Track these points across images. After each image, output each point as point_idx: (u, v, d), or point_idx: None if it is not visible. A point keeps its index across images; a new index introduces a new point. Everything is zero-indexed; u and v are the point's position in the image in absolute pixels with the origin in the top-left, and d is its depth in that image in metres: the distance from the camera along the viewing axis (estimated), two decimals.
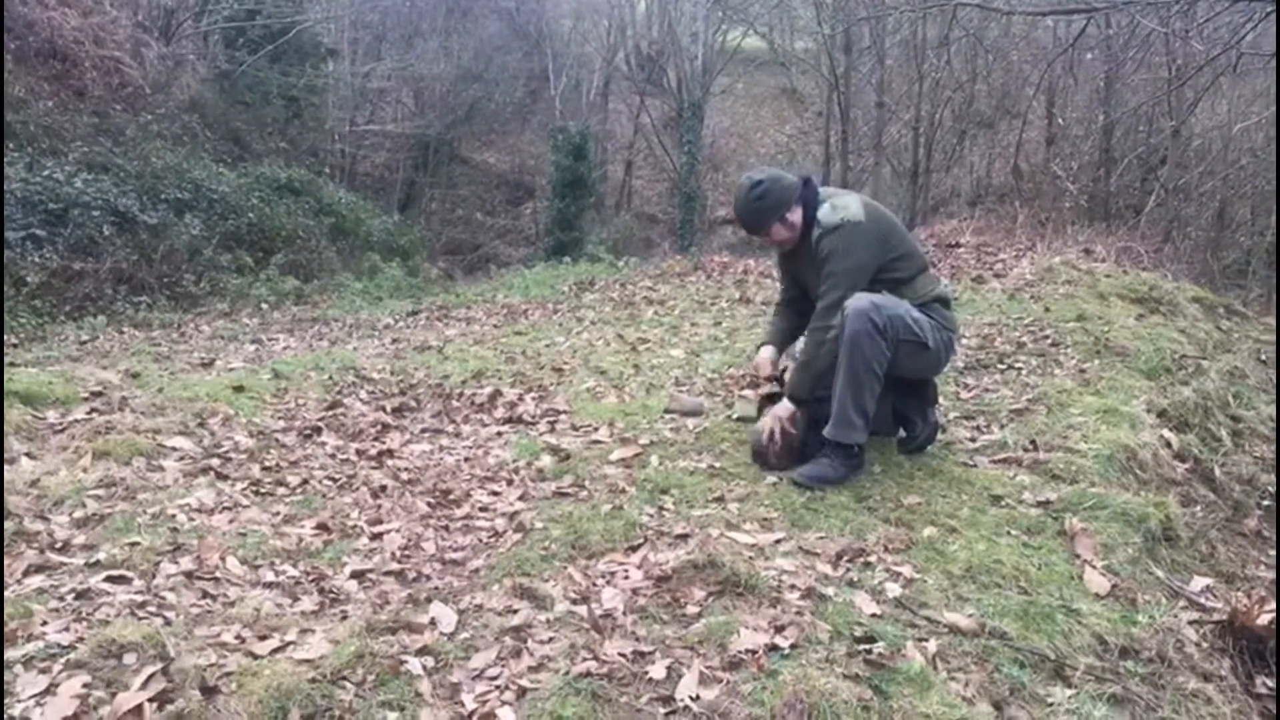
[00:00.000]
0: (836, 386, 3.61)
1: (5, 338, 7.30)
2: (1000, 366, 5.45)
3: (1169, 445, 4.40)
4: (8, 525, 2.92)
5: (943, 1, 11.21)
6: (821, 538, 3.09)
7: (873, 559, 2.93)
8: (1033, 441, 4.06)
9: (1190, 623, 2.77)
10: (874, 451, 3.83)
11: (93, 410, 4.19)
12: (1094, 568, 2.97)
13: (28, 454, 3.60)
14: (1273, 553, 3.87)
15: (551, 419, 4.68)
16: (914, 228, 13.67)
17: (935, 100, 16.43)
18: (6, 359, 6.08)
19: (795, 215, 3.81)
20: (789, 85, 28.04)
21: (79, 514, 3.11)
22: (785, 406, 3.75)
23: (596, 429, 4.41)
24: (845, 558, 2.94)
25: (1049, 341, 5.93)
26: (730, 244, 21.33)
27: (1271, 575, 3.59)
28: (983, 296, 7.44)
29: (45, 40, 12.35)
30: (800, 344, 3.93)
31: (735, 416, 4.34)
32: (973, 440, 4.19)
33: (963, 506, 3.40)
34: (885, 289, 3.69)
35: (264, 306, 10.38)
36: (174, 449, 3.84)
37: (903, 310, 3.62)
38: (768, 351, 4.12)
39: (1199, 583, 3.11)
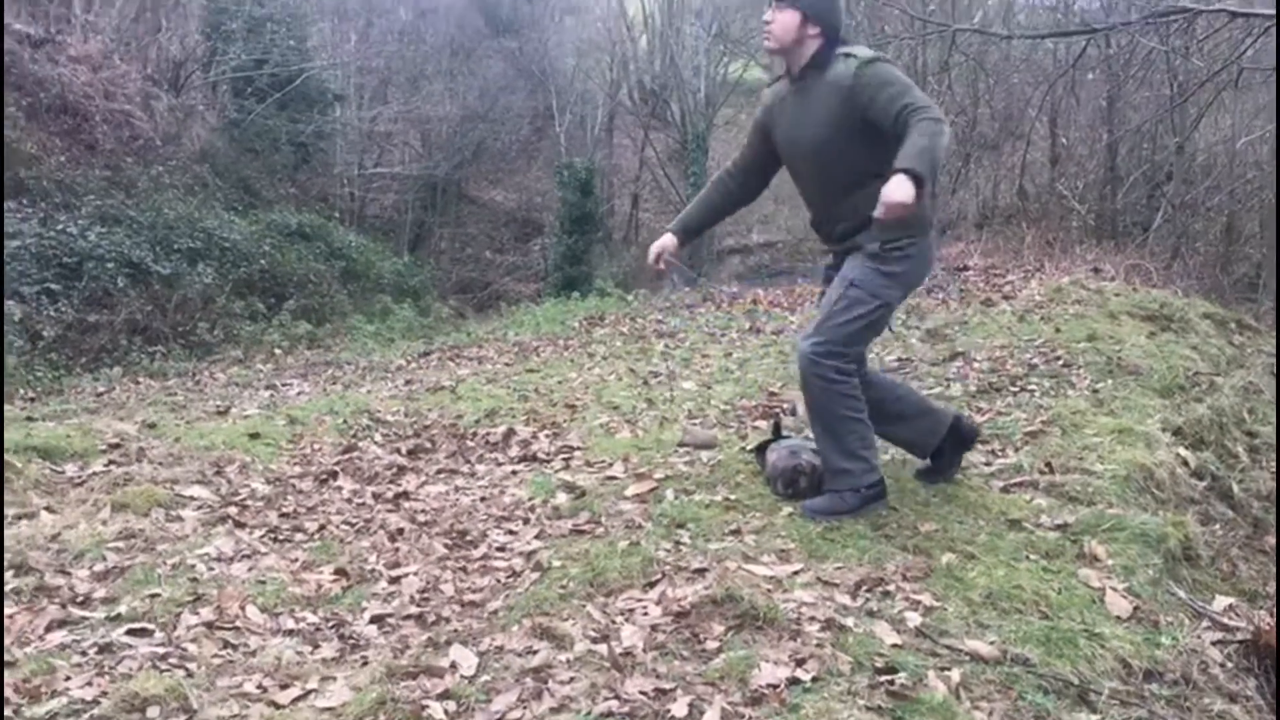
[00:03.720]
0: (815, 438, 3.60)
1: (23, 392, 7.36)
2: (1013, 389, 5.45)
3: (1185, 464, 4.39)
4: (29, 581, 2.94)
5: (942, 27, 11.28)
6: (839, 568, 3.09)
7: (891, 588, 2.92)
8: (1048, 464, 4.05)
9: (1214, 643, 2.76)
10: (889, 478, 3.83)
11: (111, 462, 4.22)
12: (1115, 590, 2.96)
13: (48, 508, 3.62)
14: None
15: (566, 456, 4.69)
16: None
17: None
18: (24, 413, 6.13)
19: (812, 33, 3.42)
20: None
21: (99, 567, 3.12)
22: (905, 187, 3.07)
23: (611, 464, 4.42)
24: (864, 587, 2.93)
25: (1061, 362, 5.93)
26: (739, 274, 21.39)
27: None
28: (993, 319, 7.44)
29: (56, 96, 12.51)
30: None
31: (750, 448, 4.34)
32: (988, 464, 4.18)
33: (980, 532, 3.39)
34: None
35: (277, 352, 10.44)
36: (192, 498, 3.86)
37: (854, 310, 3.42)
38: (668, 239, 3.90)
39: (1221, 602, 3.10)
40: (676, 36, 24.92)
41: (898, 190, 3.06)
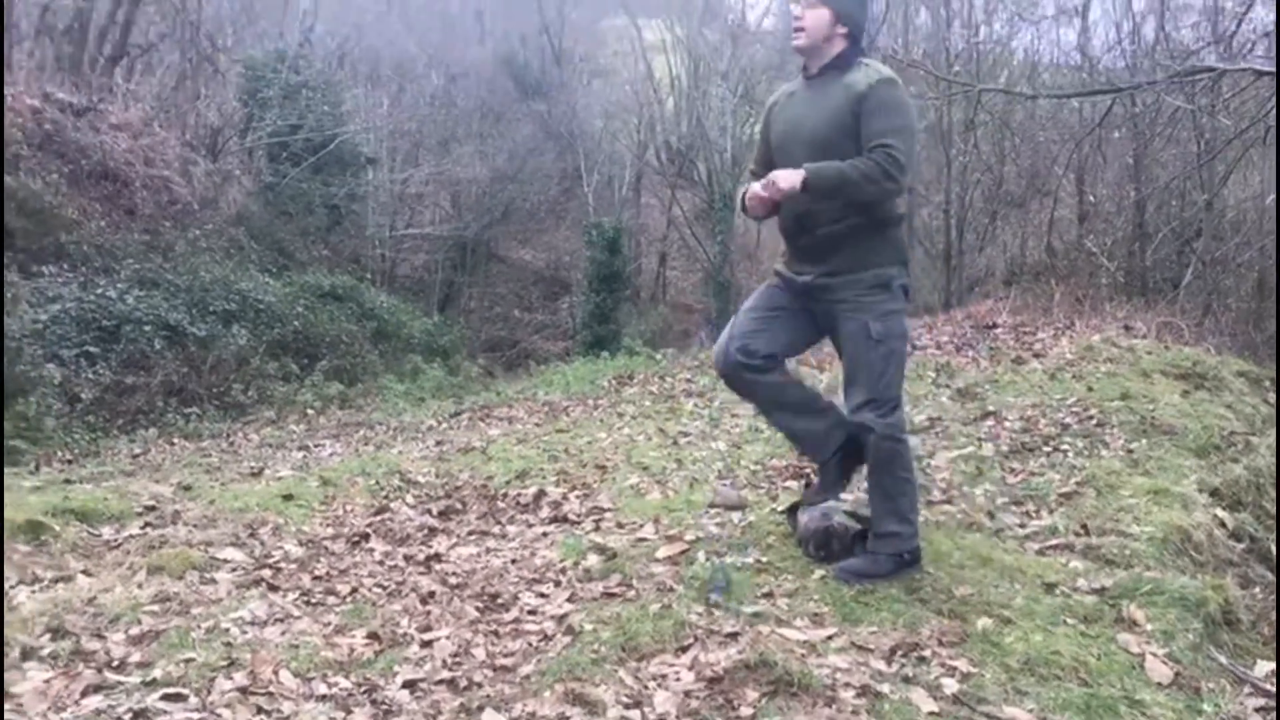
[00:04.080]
0: (871, 499, 3.58)
1: (61, 454, 7.45)
2: (1045, 449, 5.41)
3: (1223, 525, 4.34)
4: (66, 645, 2.96)
5: (967, 87, 11.37)
6: (874, 632, 3.06)
7: (927, 653, 2.89)
8: (1084, 526, 4.02)
9: (1257, 710, 2.71)
10: (923, 541, 3.80)
11: (147, 525, 4.26)
12: (1155, 655, 2.92)
13: (84, 571, 3.65)
14: None
15: (596, 517, 4.68)
16: (950, 308, 13.67)
17: (964, 183, 16.56)
18: (62, 476, 6.21)
19: (841, 32, 3.46)
20: None
21: (134, 631, 3.14)
22: (792, 175, 3.26)
23: (641, 526, 4.40)
24: (899, 653, 2.90)
25: (1094, 422, 5.88)
26: None
27: None
28: (1024, 378, 7.40)
29: (97, 163, 12.79)
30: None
31: (781, 510, 4.33)
32: (1022, 526, 4.15)
33: (1016, 596, 3.36)
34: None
35: (310, 412, 10.52)
36: (226, 561, 3.88)
37: (892, 362, 3.45)
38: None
39: (1263, 668, 3.04)
40: (703, 98, 25.22)
41: (786, 177, 3.28)
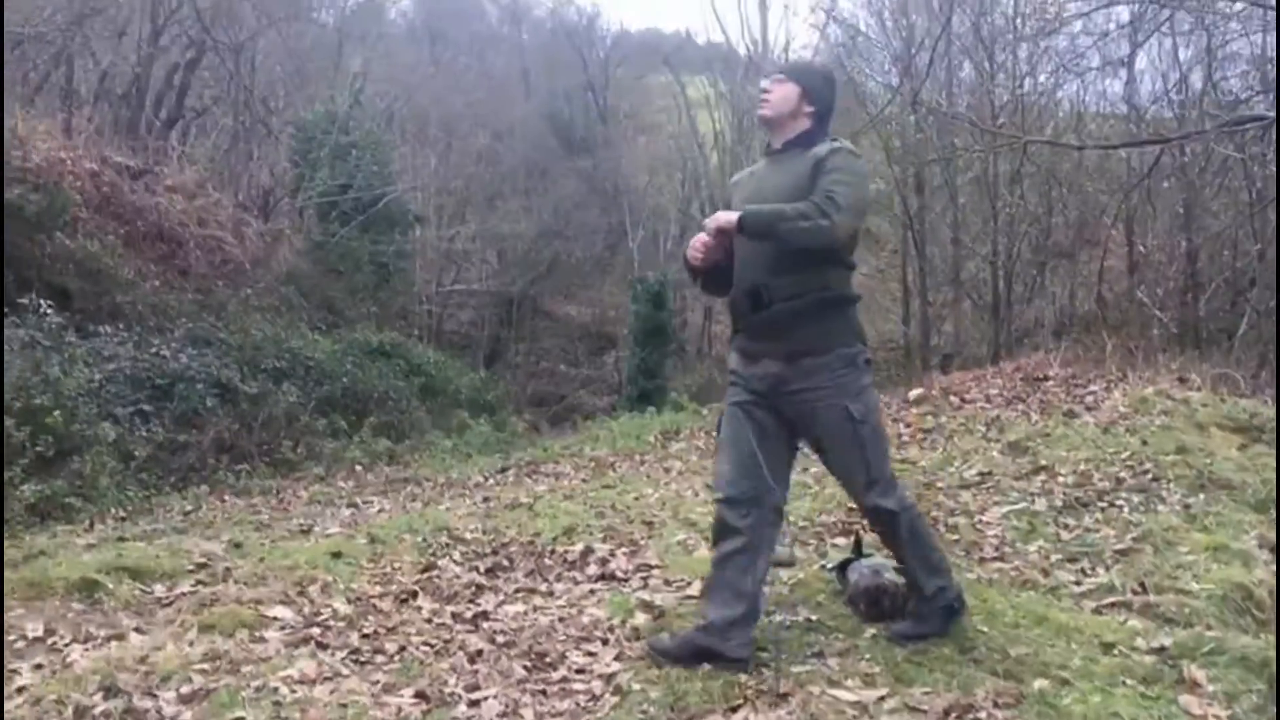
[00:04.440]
0: (909, 569, 3.49)
1: (115, 511, 7.56)
2: (1100, 505, 5.31)
3: None
4: (118, 704, 2.99)
5: (1013, 139, 11.35)
6: (927, 693, 3.01)
7: (982, 715, 2.84)
8: (1141, 583, 3.93)
9: None
10: (975, 599, 3.74)
11: (198, 582, 4.30)
12: (1217, 718, 2.84)
13: (137, 629, 3.69)
14: None
15: (644, 574, 4.66)
16: (999, 360, 13.53)
17: (1012, 234, 16.45)
18: (116, 533, 6.30)
19: (807, 110, 3.44)
20: (862, 225, 28.27)
21: (185, 689, 3.16)
22: (729, 215, 3.32)
23: (690, 583, 4.37)
24: (953, 715, 2.85)
25: (1149, 476, 5.77)
26: None
27: None
28: (1076, 431, 7.29)
29: (153, 224, 13.10)
30: None
31: (830, 567, 4.28)
32: (1078, 584, 4.07)
33: (1073, 656, 3.29)
34: (842, 269, 3.43)
35: (358, 469, 10.59)
36: (275, 619, 3.90)
37: (878, 439, 3.41)
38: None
39: None
40: (746, 153, 25.35)
41: (723, 216, 3.34)
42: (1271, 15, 9.21)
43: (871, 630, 3.55)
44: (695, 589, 4.27)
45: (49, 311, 9.18)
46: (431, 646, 3.76)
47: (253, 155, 18.57)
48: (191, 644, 3.54)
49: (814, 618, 3.74)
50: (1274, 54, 9.97)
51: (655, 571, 4.69)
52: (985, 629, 3.53)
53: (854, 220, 3.28)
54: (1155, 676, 3.10)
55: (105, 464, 8.16)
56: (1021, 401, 8.98)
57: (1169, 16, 11.40)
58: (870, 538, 4.71)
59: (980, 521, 5.11)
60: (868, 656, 3.32)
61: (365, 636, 3.83)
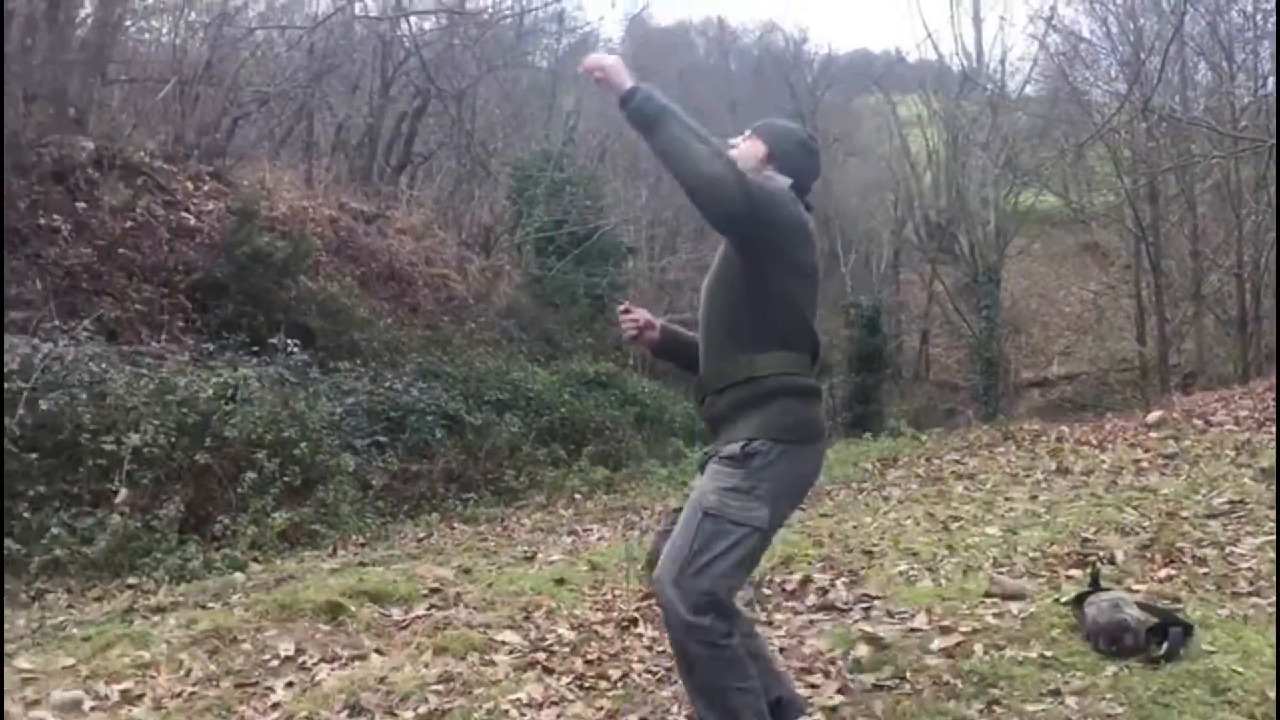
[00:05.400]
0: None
1: (355, 538, 8.02)
2: None
3: None
4: None
5: (1256, 143, 10.59)
6: None
7: None
8: None
9: None
10: (1229, 637, 3.47)
11: (432, 606, 4.50)
12: None
13: (377, 650, 3.89)
14: None
15: (865, 605, 4.56)
16: (1248, 380, 12.59)
17: (1258, 243, 15.33)
18: (357, 559, 6.68)
19: (767, 173, 2.95)
20: (1090, 240, 27.01)
21: (423, 709, 3.30)
22: (615, 66, 2.85)
23: (913, 615, 4.25)
24: None
25: None
26: (1039, 408, 20.45)
27: None
28: None
29: (385, 265, 13.89)
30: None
31: (1065, 601, 4.07)
32: None
33: None
34: (775, 352, 2.86)
35: (577, 497, 10.83)
36: (504, 643, 4.03)
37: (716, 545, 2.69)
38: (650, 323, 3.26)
39: None
40: (963, 170, 24.67)
41: (607, 59, 2.85)
42: None
43: (1112, 668, 3.35)
44: (919, 621, 4.15)
45: (295, 350, 9.86)
46: (653, 674, 3.80)
47: (474, 195, 19.44)
48: (427, 665, 3.70)
49: (1048, 654, 3.56)
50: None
51: (877, 603, 4.58)
52: (1240, 669, 3.27)
53: (745, 195, 2.66)
54: None
55: (346, 492, 8.66)
56: (1276, 424, 8.32)
57: None
58: (1108, 570, 4.48)
59: (1232, 554, 4.75)
60: (1109, 696, 3.13)
61: (589, 662, 3.91)
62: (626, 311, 3.27)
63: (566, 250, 18.40)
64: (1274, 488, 6.01)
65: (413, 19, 16.52)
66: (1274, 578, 4.34)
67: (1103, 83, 19.61)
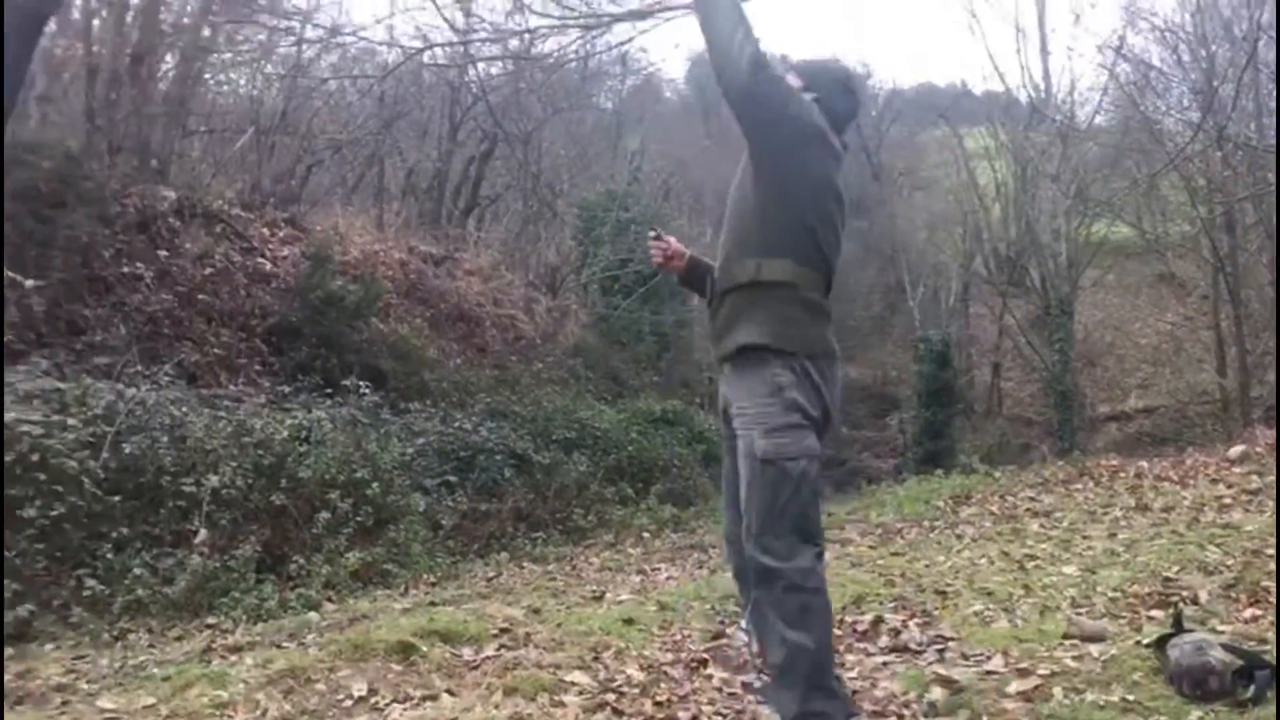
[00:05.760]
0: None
1: (426, 577, 8.10)
2: None
3: None
4: None
5: None
6: None
7: None
8: None
9: None
10: None
11: (501, 646, 4.51)
12: None
13: (448, 690, 3.91)
14: None
15: (939, 647, 4.48)
16: None
17: None
18: (428, 598, 6.74)
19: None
20: (1166, 271, 26.47)
21: None
22: None
23: (989, 657, 4.17)
24: None
25: None
26: (1116, 442, 20.01)
27: None
28: None
29: (454, 306, 14.12)
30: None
31: (1147, 643, 3.97)
32: None
33: None
34: (776, 258, 2.94)
35: (645, 535, 10.83)
36: (573, 684, 4.03)
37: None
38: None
39: None
40: (1032, 202, 24.34)
41: None
42: None
43: (1197, 712, 3.26)
44: (995, 663, 4.07)
45: (366, 391, 10.03)
46: (723, 716, 3.77)
47: (540, 236, 19.67)
48: (497, 706, 3.71)
49: (1130, 698, 3.47)
50: None
51: (951, 644, 4.50)
52: None
53: (754, 69, 2.78)
54: None
55: (417, 532, 8.77)
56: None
57: None
58: (1191, 610, 4.36)
59: None
60: None
61: (658, 704, 3.89)
62: (657, 238, 3.38)
63: (632, 289, 18.51)
64: None
65: (480, 65, 16.84)
66: None
67: (1175, 111, 19.31)
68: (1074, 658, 4.00)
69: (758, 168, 2.93)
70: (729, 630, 4.94)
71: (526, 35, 10.92)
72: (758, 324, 2.90)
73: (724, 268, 3.05)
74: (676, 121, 34.44)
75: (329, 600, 7.07)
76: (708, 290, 3.25)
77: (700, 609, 5.51)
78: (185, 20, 13.13)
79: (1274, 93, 16.10)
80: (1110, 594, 5.07)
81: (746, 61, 2.76)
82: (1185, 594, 4.80)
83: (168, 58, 13.08)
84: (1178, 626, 3.77)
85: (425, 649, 4.34)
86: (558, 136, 20.44)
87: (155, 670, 4.58)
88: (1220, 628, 4.16)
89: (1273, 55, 14.00)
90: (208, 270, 10.61)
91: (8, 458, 6.44)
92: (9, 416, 6.66)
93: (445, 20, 14.39)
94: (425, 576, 8.15)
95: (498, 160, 19.26)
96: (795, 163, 2.93)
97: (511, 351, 14.66)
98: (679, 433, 14.99)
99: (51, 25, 11.22)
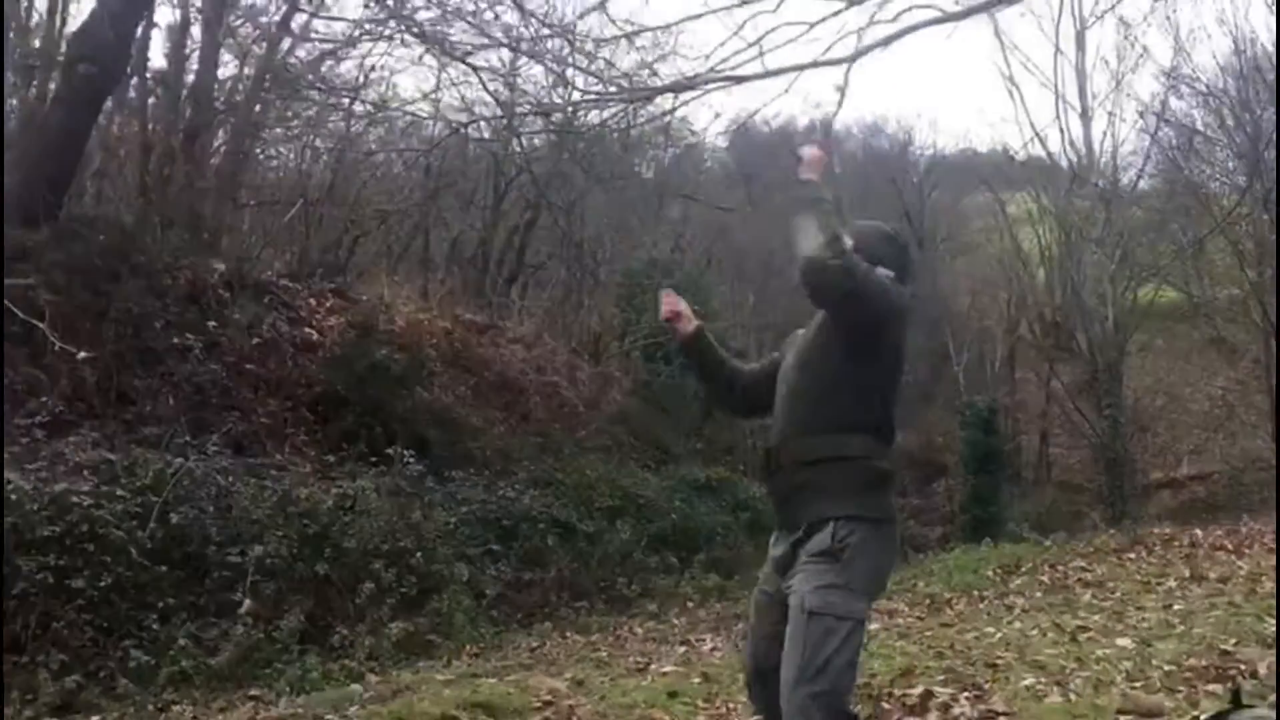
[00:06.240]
0: None
1: (469, 647, 8.06)
2: None
3: None
4: None
5: None
6: None
7: None
8: None
9: None
10: None
11: (544, 719, 4.47)
12: None
13: None
14: None
15: None
16: None
17: None
18: (470, 669, 6.70)
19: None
20: (1215, 335, 26.07)
21: None
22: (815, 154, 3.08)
23: None
24: None
25: None
26: (1169, 510, 19.63)
27: None
28: None
29: (498, 374, 14.20)
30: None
31: (1204, 718, 3.86)
32: None
33: None
34: (871, 438, 2.90)
35: (690, 605, 10.73)
36: None
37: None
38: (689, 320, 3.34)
39: None
40: (1077, 266, 24.17)
41: (815, 154, 3.08)
42: None
43: None
44: None
45: (410, 460, 10.08)
46: None
47: (583, 304, 19.80)
48: None
49: None
50: None
51: (1003, 718, 4.40)
52: None
53: (848, 274, 2.73)
54: None
55: (461, 602, 8.74)
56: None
57: None
58: (1250, 685, 4.24)
59: None
60: None
61: None
62: (669, 293, 3.39)
63: (675, 356, 18.52)
64: None
65: (523, 137, 17.14)
66: None
67: (1220, 175, 19.17)
68: None
69: (850, 350, 2.89)
70: None
71: (570, 109, 11.10)
72: (845, 503, 2.84)
73: (799, 433, 2.99)
74: (718, 188, 34.66)
75: (372, 671, 7.04)
76: (709, 374, 3.42)
77: (744, 681, 5.43)
78: (238, 98, 13.51)
79: None
80: (1166, 667, 4.94)
81: (838, 273, 2.73)
82: (1243, 667, 4.68)
83: (220, 133, 13.45)
84: (1236, 702, 3.67)
85: None
86: (600, 205, 20.66)
87: None
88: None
89: None
90: (255, 340, 10.77)
91: (58, 529, 6.54)
92: (58, 487, 6.78)
93: (490, 94, 14.72)
94: (468, 647, 8.11)
95: (541, 229, 19.47)
96: (890, 346, 2.98)
97: (555, 419, 14.67)
98: (723, 500, 14.88)
99: (108, 104, 11.62)
